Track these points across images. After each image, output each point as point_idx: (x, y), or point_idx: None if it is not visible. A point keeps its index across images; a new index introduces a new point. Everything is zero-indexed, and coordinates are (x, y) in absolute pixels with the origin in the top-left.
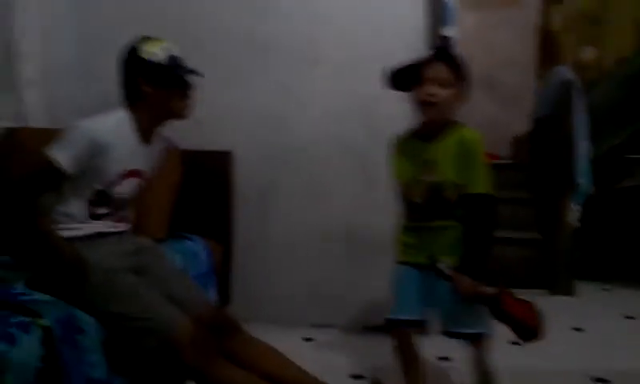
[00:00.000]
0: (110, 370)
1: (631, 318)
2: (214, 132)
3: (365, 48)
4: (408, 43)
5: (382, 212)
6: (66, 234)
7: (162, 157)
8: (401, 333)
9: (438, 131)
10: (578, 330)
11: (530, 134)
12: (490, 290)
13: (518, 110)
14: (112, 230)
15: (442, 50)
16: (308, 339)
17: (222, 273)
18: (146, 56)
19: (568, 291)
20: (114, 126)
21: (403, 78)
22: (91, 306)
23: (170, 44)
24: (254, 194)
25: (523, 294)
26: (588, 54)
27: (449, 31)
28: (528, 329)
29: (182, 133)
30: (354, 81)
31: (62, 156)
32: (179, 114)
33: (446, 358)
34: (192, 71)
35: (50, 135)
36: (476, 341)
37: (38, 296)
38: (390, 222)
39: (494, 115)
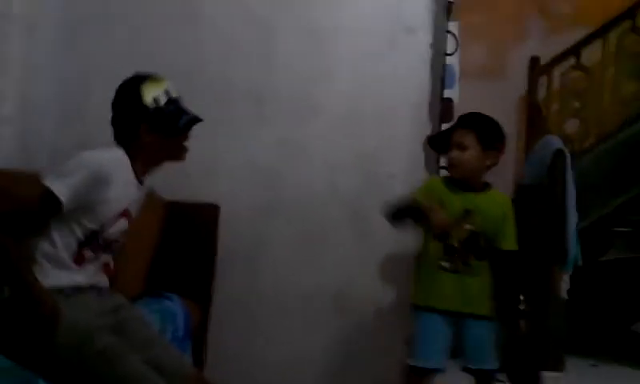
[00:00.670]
0: None
1: None
2: (201, 183)
3: (365, 103)
4: (410, 101)
5: (380, 276)
6: (44, 281)
7: (144, 203)
8: (422, 380)
9: (475, 185)
10: None
11: (513, 201)
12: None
13: (500, 179)
14: (91, 283)
15: (467, 117)
16: None
17: (197, 336)
18: (149, 102)
19: (558, 367)
20: (115, 159)
21: (439, 142)
22: (61, 368)
23: (170, 84)
24: (241, 250)
25: None
26: (572, 126)
27: (451, 93)
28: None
29: (167, 183)
30: (352, 135)
31: (59, 185)
32: (177, 159)
33: None
34: (196, 119)
35: (21, 177)
36: (491, 376)
37: None
38: (386, 288)
39: None
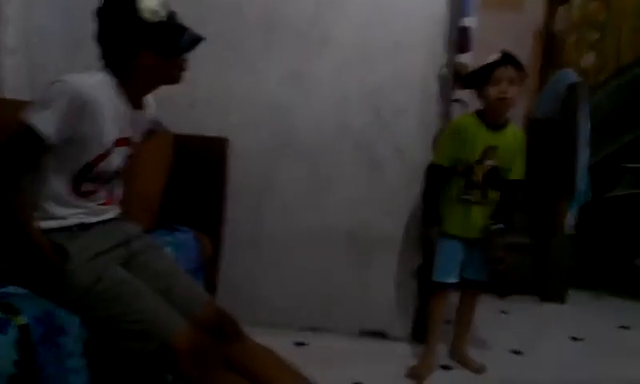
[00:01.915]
0: (93, 377)
1: (626, 327)
2: (209, 116)
3: (377, 33)
4: (425, 31)
5: (387, 209)
6: (43, 224)
7: (152, 135)
8: (442, 294)
9: (500, 123)
10: (576, 339)
11: (526, 135)
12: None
13: (514, 112)
14: (99, 218)
15: (508, 54)
16: (300, 344)
17: (210, 269)
18: (147, 16)
19: (560, 299)
20: (97, 84)
21: (476, 79)
22: (75, 305)
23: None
24: (250, 186)
25: (513, 300)
26: (589, 59)
27: (469, 22)
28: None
29: (174, 116)
30: (363, 67)
31: (42, 121)
32: (174, 81)
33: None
34: (200, 38)
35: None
36: (479, 288)
37: (13, 289)
38: (394, 220)
39: None
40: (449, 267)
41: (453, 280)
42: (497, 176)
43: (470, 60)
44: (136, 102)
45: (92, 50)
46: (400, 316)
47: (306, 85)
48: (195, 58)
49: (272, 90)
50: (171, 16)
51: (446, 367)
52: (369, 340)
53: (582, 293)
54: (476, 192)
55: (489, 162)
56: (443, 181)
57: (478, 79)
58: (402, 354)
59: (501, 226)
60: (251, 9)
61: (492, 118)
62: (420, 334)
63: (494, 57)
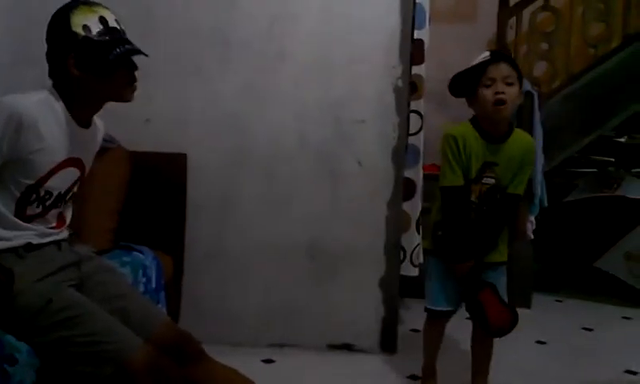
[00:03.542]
0: None
1: (589, 329)
2: (167, 132)
3: (334, 48)
4: (380, 45)
5: (348, 220)
6: None
7: (106, 152)
8: (438, 323)
9: (501, 133)
10: (541, 343)
11: None
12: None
13: None
14: (47, 239)
15: (499, 52)
16: (268, 361)
17: (171, 288)
18: (78, 31)
19: (526, 303)
20: (38, 101)
21: (463, 83)
22: (24, 330)
23: (108, 12)
24: (210, 201)
25: None
26: (540, 69)
27: (421, 34)
28: (487, 325)
29: (130, 132)
30: (321, 81)
31: None
32: (120, 99)
33: None
34: (134, 50)
35: None
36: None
37: None
38: (356, 231)
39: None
40: (441, 293)
41: (446, 308)
42: (497, 195)
43: (423, 72)
44: (84, 121)
45: (38, 63)
46: (367, 327)
47: (264, 99)
48: (151, 74)
49: (229, 104)
50: (110, 31)
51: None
52: (337, 353)
53: (546, 296)
54: (472, 214)
55: (487, 181)
56: (463, 202)
57: (468, 83)
58: (371, 365)
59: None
60: (206, 25)
61: (489, 127)
62: (388, 344)
63: (482, 56)
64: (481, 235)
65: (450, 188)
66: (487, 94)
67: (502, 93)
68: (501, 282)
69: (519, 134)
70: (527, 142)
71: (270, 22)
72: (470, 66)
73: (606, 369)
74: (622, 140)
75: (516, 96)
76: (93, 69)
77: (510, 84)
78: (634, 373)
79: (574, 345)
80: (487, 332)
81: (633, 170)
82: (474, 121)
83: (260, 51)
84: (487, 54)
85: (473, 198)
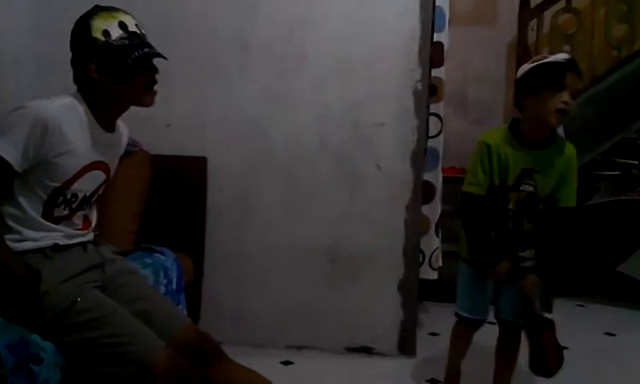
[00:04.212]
0: None
1: (611, 334)
2: (187, 136)
3: (353, 51)
4: (399, 46)
5: (368, 223)
6: (16, 246)
7: (129, 156)
8: (467, 330)
9: (543, 140)
10: (563, 347)
11: None
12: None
13: (490, 127)
14: (73, 240)
15: (573, 60)
16: (286, 363)
17: (192, 290)
18: (98, 36)
19: (547, 308)
20: (64, 106)
21: (539, 78)
22: (49, 330)
23: (129, 17)
24: (230, 204)
25: None
26: None
27: (441, 37)
28: (545, 366)
29: (152, 136)
30: (340, 84)
31: (5, 146)
32: (141, 103)
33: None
34: (152, 53)
35: None
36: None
37: None
38: (375, 234)
39: (467, 131)
40: (469, 300)
41: (476, 316)
42: (533, 205)
43: (443, 74)
44: (108, 125)
45: (63, 70)
46: (386, 331)
47: (284, 101)
48: (171, 79)
49: (249, 107)
50: (130, 35)
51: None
52: (355, 356)
53: (568, 301)
54: (509, 223)
55: (525, 188)
56: (482, 211)
57: (542, 79)
58: (390, 369)
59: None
60: (226, 29)
61: (533, 134)
62: (406, 347)
63: (558, 57)
64: (520, 245)
65: (469, 194)
66: (555, 99)
67: (568, 104)
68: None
69: (561, 143)
70: (569, 151)
71: (290, 24)
72: (546, 61)
73: (629, 374)
74: None
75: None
76: (113, 73)
77: (573, 97)
78: None
79: (597, 350)
80: (539, 372)
81: None
82: (513, 125)
83: (280, 54)
84: (564, 56)
85: (510, 206)
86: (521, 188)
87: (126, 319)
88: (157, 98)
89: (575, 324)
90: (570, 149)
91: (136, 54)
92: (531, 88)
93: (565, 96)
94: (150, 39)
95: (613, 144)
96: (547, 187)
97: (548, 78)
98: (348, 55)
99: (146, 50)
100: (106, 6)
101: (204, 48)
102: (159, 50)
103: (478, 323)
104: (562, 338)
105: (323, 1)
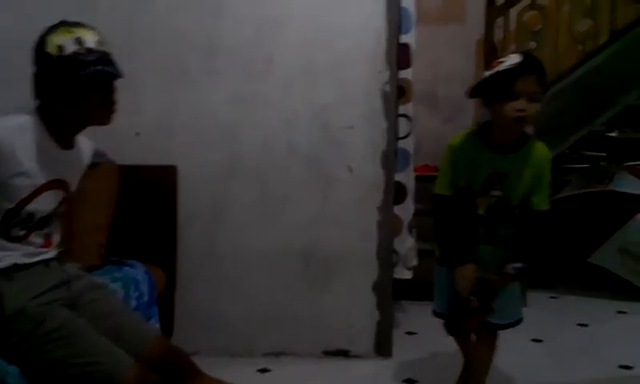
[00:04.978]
0: None
1: (584, 325)
2: (155, 144)
3: (319, 53)
4: (366, 49)
5: (340, 225)
6: None
7: (96, 168)
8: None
9: (512, 143)
10: (536, 341)
11: None
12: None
13: (459, 124)
14: (34, 259)
15: (531, 60)
16: (263, 370)
17: (164, 301)
18: (52, 51)
19: (522, 302)
20: (17, 126)
21: (489, 89)
22: (15, 352)
23: (91, 33)
24: (202, 212)
25: None
26: None
27: (407, 39)
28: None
29: (119, 145)
30: (309, 88)
31: None
32: (98, 121)
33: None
34: (104, 71)
35: None
36: (497, 331)
37: None
38: (349, 236)
39: (439, 129)
40: (447, 300)
41: (446, 312)
42: (508, 209)
43: (411, 75)
44: (65, 142)
45: (23, 83)
46: (362, 332)
47: (253, 106)
48: (138, 86)
49: (218, 112)
50: (86, 51)
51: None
52: (333, 360)
53: (541, 293)
54: (480, 229)
55: (495, 193)
56: (451, 211)
57: (491, 89)
58: (367, 370)
59: (519, 265)
60: (193, 34)
61: (501, 137)
62: (383, 348)
63: (513, 60)
64: (494, 252)
65: (438, 196)
66: (508, 108)
67: (524, 110)
68: (503, 298)
69: (533, 145)
70: (541, 153)
71: (257, 28)
72: (496, 71)
73: (601, 365)
74: (614, 134)
75: (537, 111)
76: (65, 90)
77: (534, 100)
78: (629, 367)
79: (570, 341)
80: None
81: (624, 164)
82: (482, 129)
83: (248, 58)
84: (517, 59)
85: (480, 211)
86: (491, 193)
87: (93, 337)
88: (124, 106)
89: (549, 316)
90: (542, 151)
91: (87, 70)
92: (485, 100)
93: (519, 104)
94: (115, 47)
95: (581, 137)
96: (520, 191)
97: (498, 89)
98: (315, 59)
99: (98, 67)
100: (72, 22)
101: (171, 54)
102: (124, 58)
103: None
104: (537, 330)
105: (289, 5)
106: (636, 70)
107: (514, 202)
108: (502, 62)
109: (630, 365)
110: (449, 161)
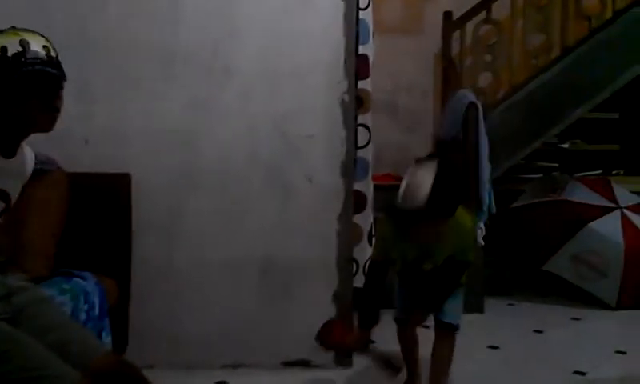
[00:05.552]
0: None
1: (539, 331)
2: (108, 152)
3: (279, 62)
4: (325, 59)
5: (300, 235)
6: None
7: (46, 176)
8: (399, 329)
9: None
10: (493, 347)
11: (432, 155)
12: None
13: (419, 134)
14: None
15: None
16: (221, 383)
17: (117, 313)
18: None
19: (479, 308)
20: None
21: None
22: None
23: (38, 38)
24: (158, 221)
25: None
26: (485, 79)
27: (366, 49)
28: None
29: (70, 153)
30: (268, 96)
31: None
32: (39, 128)
33: None
34: (45, 72)
35: None
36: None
37: None
38: (308, 246)
39: (399, 139)
40: (406, 304)
41: (402, 315)
42: (439, 272)
43: (369, 86)
44: (7, 150)
45: None
46: None
47: (212, 114)
48: (90, 92)
49: (174, 120)
50: (31, 54)
51: None
52: (293, 371)
53: (498, 300)
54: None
55: (427, 266)
56: (380, 275)
57: None
58: (327, 381)
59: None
60: (148, 40)
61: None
62: (343, 358)
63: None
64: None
65: (371, 262)
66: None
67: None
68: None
69: (459, 218)
70: (465, 225)
71: (215, 36)
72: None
73: (556, 371)
74: (566, 146)
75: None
76: (6, 91)
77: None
78: (583, 373)
79: (526, 348)
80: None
81: (576, 175)
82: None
83: (205, 66)
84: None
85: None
86: (425, 265)
87: (37, 352)
88: (75, 113)
89: (505, 323)
90: (466, 223)
91: (27, 68)
92: None
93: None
94: (68, 53)
95: (534, 149)
96: (445, 254)
97: None
98: (274, 68)
99: (38, 66)
100: (22, 28)
101: (125, 60)
102: (77, 63)
103: (406, 322)
104: (494, 336)
105: (247, 14)
106: (587, 83)
107: (439, 262)
108: None
109: (584, 370)
110: (379, 236)
